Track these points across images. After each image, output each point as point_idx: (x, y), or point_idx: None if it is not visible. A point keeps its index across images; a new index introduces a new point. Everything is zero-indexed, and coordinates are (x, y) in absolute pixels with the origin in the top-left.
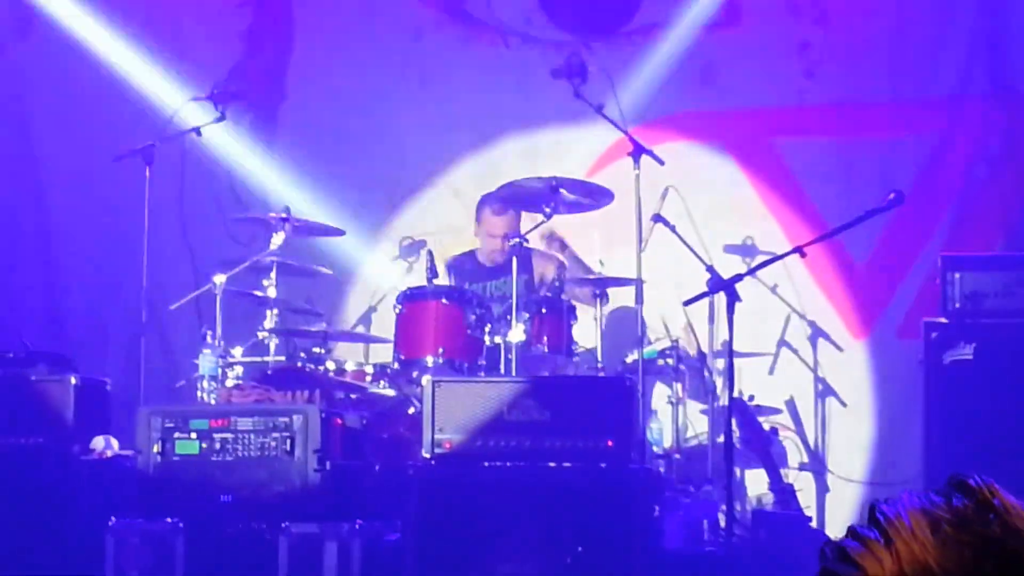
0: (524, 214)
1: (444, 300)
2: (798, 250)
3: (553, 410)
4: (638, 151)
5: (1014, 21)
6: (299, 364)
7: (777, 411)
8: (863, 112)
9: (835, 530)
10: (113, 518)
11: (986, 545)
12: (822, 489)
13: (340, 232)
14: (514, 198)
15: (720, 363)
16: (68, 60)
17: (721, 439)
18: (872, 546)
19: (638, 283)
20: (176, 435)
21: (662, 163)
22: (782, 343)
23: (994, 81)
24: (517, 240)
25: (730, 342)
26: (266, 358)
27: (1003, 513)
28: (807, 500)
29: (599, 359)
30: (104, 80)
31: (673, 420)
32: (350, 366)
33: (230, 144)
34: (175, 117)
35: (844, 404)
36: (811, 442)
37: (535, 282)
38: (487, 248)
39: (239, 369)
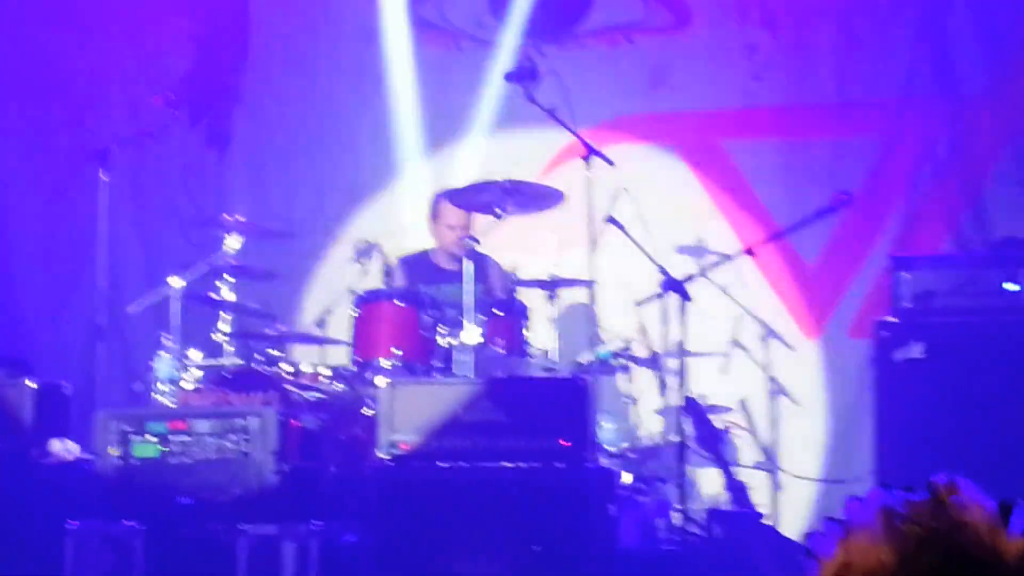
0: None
1: (398, 302)
2: (749, 250)
3: (509, 410)
4: (589, 153)
5: (956, 22)
6: (255, 366)
7: (729, 410)
8: (811, 113)
9: (788, 528)
10: (72, 521)
11: (932, 538)
12: (775, 487)
13: (295, 235)
14: (467, 200)
15: (673, 363)
16: (26, 60)
17: (675, 438)
18: (831, 537)
19: (591, 284)
20: (134, 438)
21: (612, 164)
22: (734, 343)
23: (938, 82)
24: (469, 242)
25: (682, 342)
26: (223, 361)
27: (956, 508)
28: (760, 498)
29: (553, 359)
30: (61, 81)
31: (627, 420)
32: (306, 368)
33: (185, 147)
34: (130, 120)
35: (796, 403)
36: (764, 440)
37: (492, 290)
38: (444, 241)
39: (196, 372)
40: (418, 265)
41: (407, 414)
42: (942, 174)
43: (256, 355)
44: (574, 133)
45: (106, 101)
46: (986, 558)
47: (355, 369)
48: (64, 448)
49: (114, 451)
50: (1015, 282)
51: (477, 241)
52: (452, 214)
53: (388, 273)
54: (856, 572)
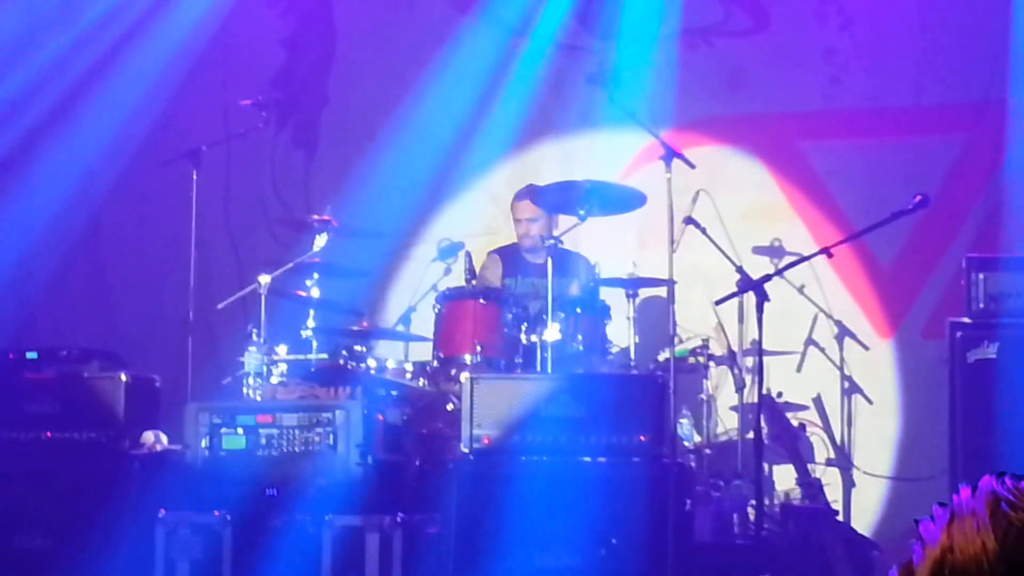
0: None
1: (481, 300)
2: (825, 251)
3: (587, 406)
4: (670, 155)
5: None
6: (341, 362)
7: (805, 408)
8: (889, 116)
9: (860, 524)
10: (163, 510)
11: None
12: (848, 484)
13: (380, 233)
14: (550, 200)
15: (749, 361)
16: (117, 64)
17: (750, 435)
18: (936, 521)
19: (670, 283)
20: (223, 430)
21: (693, 166)
22: (809, 342)
23: (1016, 84)
24: (552, 241)
25: (759, 341)
26: (309, 356)
27: None
28: (834, 495)
29: (632, 357)
30: (152, 85)
31: (704, 416)
32: (391, 364)
33: (274, 147)
34: (221, 121)
35: (870, 401)
36: (837, 438)
37: (580, 285)
38: (519, 234)
39: (283, 367)
40: (510, 257)
41: (489, 409)
42: (1019, 176)
43: (342, 351)
44: (654, 135)
45: (198, 103)
46: None
47: (438, 365)
48: (155, 439)
49: (204, 443)
50: None
51: (560, 240)
52: (520, 208)
53: (471, 271)
54: (958, 556)
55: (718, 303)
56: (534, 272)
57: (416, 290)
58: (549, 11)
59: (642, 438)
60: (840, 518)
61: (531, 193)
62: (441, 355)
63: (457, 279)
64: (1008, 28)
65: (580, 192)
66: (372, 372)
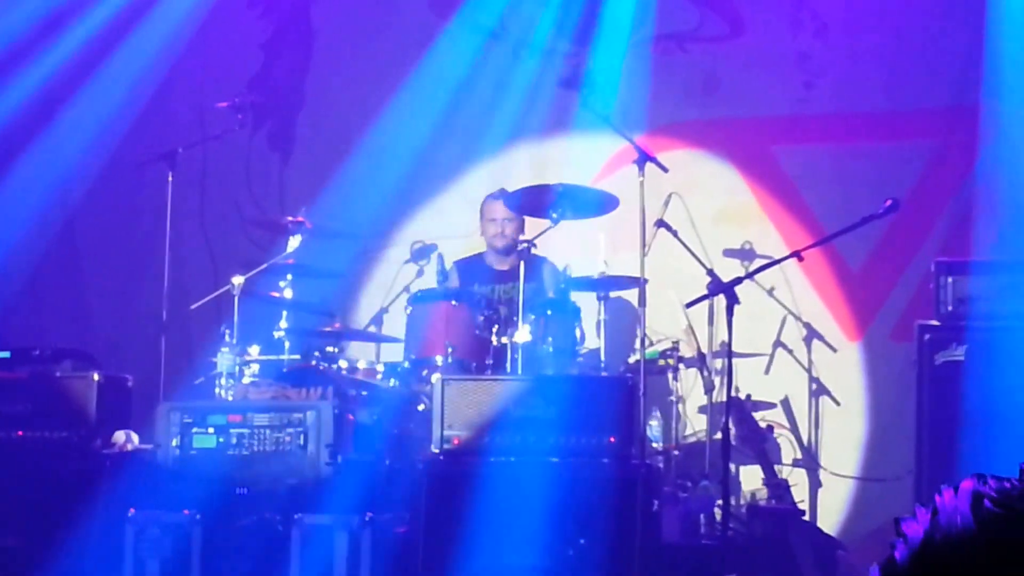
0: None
1: (453, 302)
2: (796, 254)
3: (557, 407)
4: (643, 159)
5: (1004, 35)
6: (313, 362)
7: (773, 408)
8: (860, 121)
9: (827, 524)
10: (133, 509)
11: (1020, 520)
12: (814, 485)
13: (353, 236)
14: (522, 203)
15: (719, 363)
16: (95, 65)
17: (718, 436)
18: (919, 519)
19: (641, 285)
20: (194, 429)
21: (666, 170)
22: (778, 344)
23: (987, 92)
24: (525, 244)
25: (729, 343)
26: (282, 356)
27: None
28: (800, 495)
29: (602, 359)
30: (130, 86)
31: (673, 418)
32: (362, 364)
33: (249, 150)
34: (197, 123)
35: (838, 403)
36: (805, 439)
37: (544, 290)
38: (488, 234)
39: (255, 367)
40: (472, 267)
41: (459, 410)
42: (988, 182)
43: (314, 352)
44: (628, 139)
45: (174, 105)
46: None
47: (409, 366)
48: (127, 439)
49: (175, 442)
50: None
51: (533, 244)
52: (494, 208)
53: (443, 273)
54: (941, 551)
55: (688, 306)
56: (495, 279)
57: (388, 292)
58: (526, 16)
59: (611, 439)
60: (806, 518)
61: (508, 200)
62: (412, 356)
63: (429, 281)
64: (978, 34)
65: (552, 195)
66: (343, 373)
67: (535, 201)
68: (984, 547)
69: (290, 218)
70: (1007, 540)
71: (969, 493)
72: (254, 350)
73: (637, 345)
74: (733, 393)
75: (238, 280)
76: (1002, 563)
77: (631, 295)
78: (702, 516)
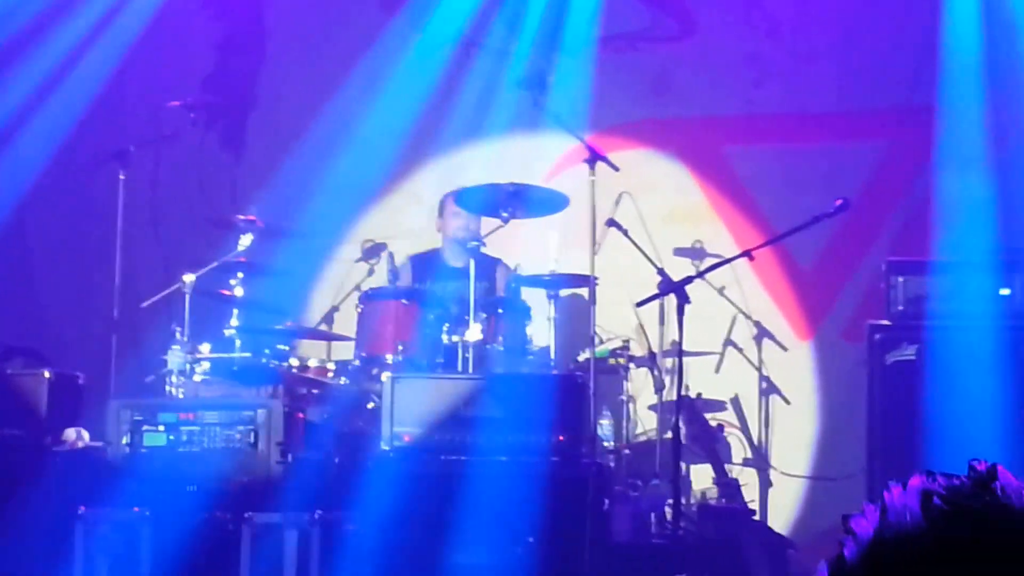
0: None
1: (404, 300)
2: (747, 254)
3: (508, 406)
4: (594, 158)
5: (955, 35)
6: (264, 360)
7: (723, 408)
8: (811, 121)
9: (777, 523)
10: (83, 507)
11: (969, 517)
12: (765, 484)
13: (304, 234)
14: (474, 203)
15: (669, 362)
16: (48, 63)
17: (669, 435)
18: (868, 516)
19: (591, 284)
20: (145, 427)
21: (617, 169)
22: (728, 343)
23: (938, 92)
24: (476, 243)
25: (680, 342)
26: (232, 354)
27: (998, 491)
28: (751, 494)
29: (552, 357)
30: (82, 84)
31: (623, 417)
32: (313, 363)
33: (201, 149)
34: (149, 122)
35: (788, 402)
36: (755, 439)
37: (496, 289)
38: (448, 230)
39: (206, 365)
40: (427, 263)
41: (409, 408)
42: (938, 181)
43: (265, 350)
44: (580, 139)
45: (127, 104)
46: (1021, 540)
47: (360, 364)
48: (78, 436)
49: (125, 440)
50: (1008, 287)
51: (482, 243)
52: (458, 208)
53: (394, 272)
54: (890, 548)
55: (639, 304)
56: (450, 276)
57: (339, 290)
58: (479, 17)
59: (561, 438)
60: (757, 518)
61: (460, 199)
62: (363, 354)
63: (380, 280)
64: (929, 35)
65: (503, 194)
66: (294, 371)
67: (486, 200)
68: (933, 545)
69: (241, 216)
70: (956, 538)
71: (918, 490)
72: (205, 348)
73: (587, 344)
74: (684, 392)
75: (189, 278)
76: (951, 561)
77: (582, 294)
78: (653, 515)
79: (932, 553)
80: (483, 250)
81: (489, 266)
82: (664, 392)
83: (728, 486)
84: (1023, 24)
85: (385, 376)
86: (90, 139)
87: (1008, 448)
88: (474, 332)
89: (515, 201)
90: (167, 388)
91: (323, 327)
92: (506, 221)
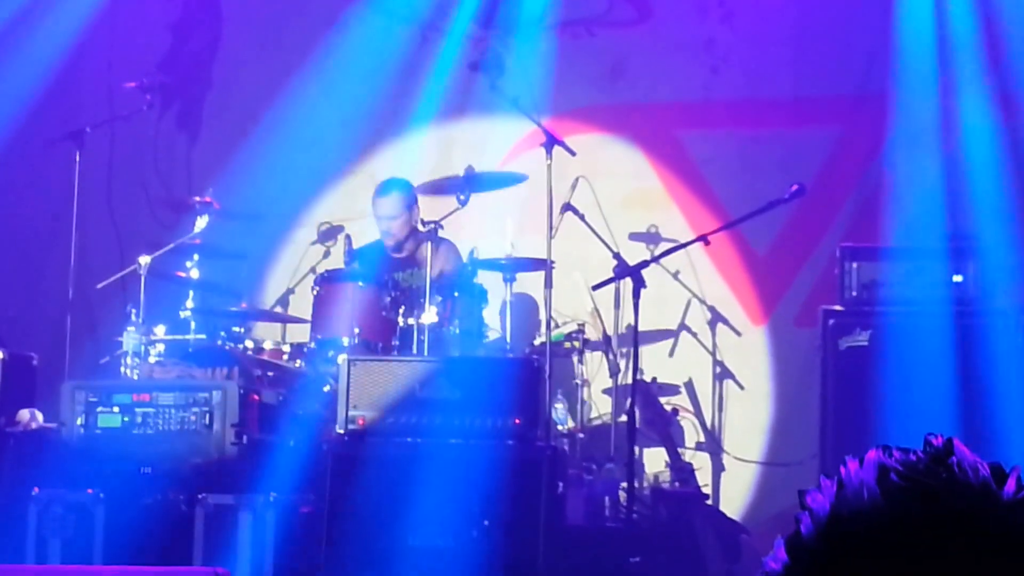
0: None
1: (360, 283)
2: (702, 238)
3: (463, 389)
4: (550, 142)
5: (910, 23)
6: (219, 342)
7: (677, 392)
8: (766, 107)
9: (730, 508)
10: (36, 488)
11: (927, 492)
12: (718, 468)
13: (260, 216)
14: (431, 188)
15: (624, 346)
16: (2, 44)
17: (623, 419)
18: (824, 491)
19: (547, 267)
20: (99, 409)
21: (573, 154)
22: (682, 327)
23: (893, 80)
24: (432, 225)
25: (635, 326)
26: (188, 336)
27: (955, 466)
28: (704, 479)
29: (508, 341)
30: (37, 65)
31: (578, 400)
32: (268, 345)
33: (157, 130)
34: (105, 103)
35: (742, 387)
36: (708, 423)
37: (435, 273)
38: (381, 230)
39: (161, 347)
40: (373, 252)
41: (364, 391)
42: (892, 168)
43: (220, 332)
44: (536, 123)
45: (82, 84)
46: (978, 516)
47: (315, 347)
48: (31, 417)
49: (79, 421)
50: (960, 274)
51: (440, 226)
52: (379, 206)
53: (350, 254)
54: (848, 524)
55: (595, 288)
56: (393, 267)
57: (295, 272)
58: None
59: (516, 421)
60: (710, 502)
61: (391, 186)
62: (319, 337)
63: (336, 262)
64: (884, 22)
65: (458, 182)
66: (249, 353)
67: (443, 186)
68: (891, 521)
69: (197, 198)
70: (913, 514)
71: (874, 465)
72: (160, 330)
73: (543, 328)
74: (638, 376)
75: (144, 260)
76: (909, 537)
77: (537, 277)
78: (607, 499)
79: (890, 529)
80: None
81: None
82: (619, 376)
83: (682, 470)
84: (976, 12)
85: (341, 359)
86: (45, 119)
87: (960, 433)
88: (430, 315)
89: (471, 184)
90: (122, 369)
91: (278, 309)
92: (463, 204)
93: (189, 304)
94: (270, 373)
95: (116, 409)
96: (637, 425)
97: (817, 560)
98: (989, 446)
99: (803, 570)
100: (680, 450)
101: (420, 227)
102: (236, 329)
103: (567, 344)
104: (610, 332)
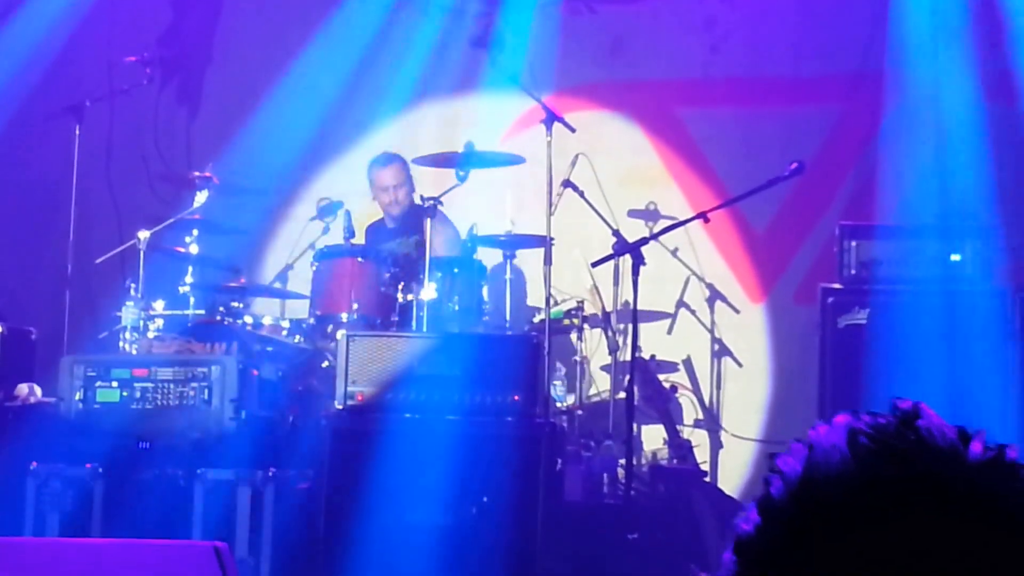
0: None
1: (359, 259)
2: (702, 215)
3: (462, 365)
4: (550, 119)
5: (908, 1)
6: (218, 318)
7: (676, 369)
8: (766, 85)
9: (728, 486)
10: (35, 462)
11: (896, 454)
12: (716, 446)
13: (260, 192)
14: (431, 162)
15: (623, 323)
16: (2, 18)
17: (622, 396)
18: (795, 454)
19: (546, 245)
20: (98, 383)
21: (573, 130)
22: (681, 304)
23: (891, 58)
24: (432, 201)
25: (634, 303)
26: (186, 311)
27: (923, 429)
28: (702, 456)
29: (507, 318)
30: (38, 39)
31: (577, 377)
32: (267, 320)
33: (157, 105)
34: (105, 77)
35: (740, 365)
36: (707, 401)
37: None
38: (383, 203)
39: (160, 321)
40: (378, 230)
41: (363, 366)
42: (891, 146)
43: (219, 307)
44: (536, 99)
45: (82, 59)
46: (945, 477)
47: (314, 322)
48: (30, 392)
49: (78, 395)
50: (958, 253)
51: (440, 202)
52: (383, 176)
53: (350, 230)
54: (818, 487)
55: (594, 265)
56: (393, 236)
57: (294, 248)
58: None
59: (515, 398)
60: (708, 479)
61: (392, 157)
62: (318, 312)
63: (335, 238)
64: (883, 1)
65: (456, 158)
66: (248, 328)
67: (443, 161)
68: (861, 483)
69: (197, 173)
70: (883, 476)
71: (844, 428)
72: (159, 304)
73: (542, 304)
74: (637, 353)
75: (144, 234)
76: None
77: (537, 254)
78: (605, 475)
79: (859, 491)
80: (417, 202)
81: (418, 219)
82: (618, 353)
83: (680, 447)
84: None
85: (340, 334)
86: (45, 94)
87: (956, 410)
88: (429, 291)
89: (469, 161)
90: (120, 344)
91: (277, 285)
92: (463, 180)
93: (188, 279)
94: (269, 348)
95: (115, 384)
96: (636, 402)
97: (788, 520)
98: (985, 423)
99: (774, 530)
100: (678, 427)
101: (418, 201)
102: (235, 304)
103: (566, 321)
104: (609, 309)
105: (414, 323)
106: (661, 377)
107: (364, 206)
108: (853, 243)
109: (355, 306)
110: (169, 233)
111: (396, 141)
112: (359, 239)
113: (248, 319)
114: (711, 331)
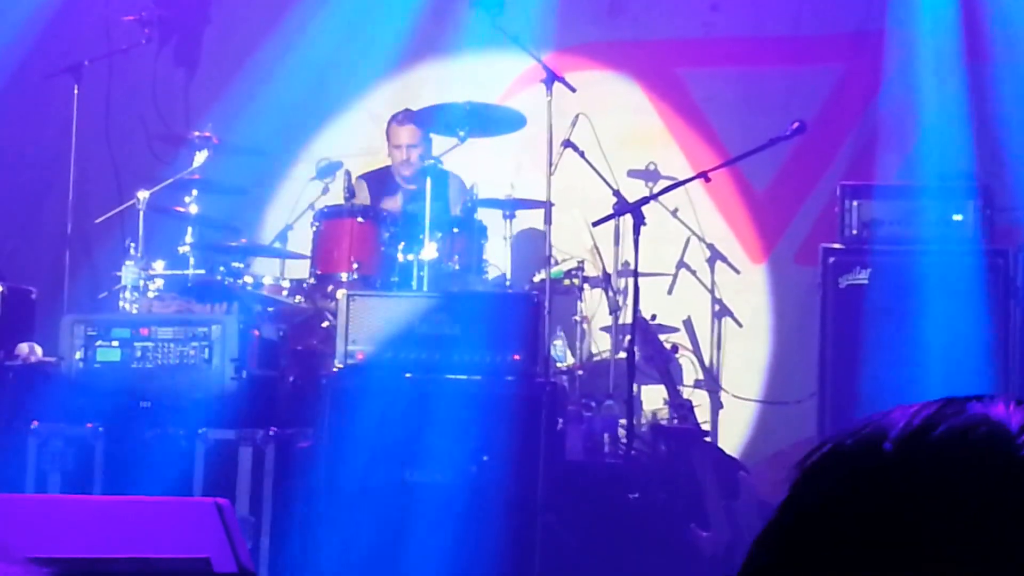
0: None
1: (359, 219)
2: (703, 175)
3: (463, 324)
4: (550, 78)
5: None
6: (218, 277)
7: (676, 330)
8: (767, 45)
9: (728, 446)
10: (35, 422)
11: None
12: (716, 406)
13: (259, 151)
14: (428, 120)
15: (623, 283)
16: None
17: (622, 356)
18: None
19: (547, 205)
20: (98, 343)
21: (573, 90)
22: (681, 264)
23: (892, 18)
24: (432, 160)
25: (635, 263)
26: (186, 271)
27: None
28: (703, 417)
29: (508, 278)
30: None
31: (577, 337)
32: (267, 280)
33: (155, 64)
34: (104, 37)
35: (740, 325)
36: (707, 361)
37: (450, 205)
38: (395, 160)
39: (160, 281)
40: (380, 180)
41: (363, 325)
42: (892, 106)
43: (219, 267)
44: (536, 59)
45: (80, 18)
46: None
47: (315, 282)
48: (30, 351)
49: (79, 355)
50: (960, 214)
51: (440, 161)
52: (400, 133)
53: (350, 190)
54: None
55: (595, 225)
56: (404, 195)
57: (294, 208)
58: None
59: (516, 357)
60: (709, 439)
61: (411, 116)
62: (318, 272)
63: (335, 198)
64: None
65: (459, 113)
66: (248, 288)
67: (441, 119)
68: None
69: (196, 133)
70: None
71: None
72: (159, 264)
73: (543, 264)
74: (637, 313)
75: (143, 194)
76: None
77: (537, 214)
78: (606, 435)
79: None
80: (441, 167)
81: (442, 182)
82: (619, 313)
83: (681, 407)
84: None
85: (340, 294)
86: (44, 53)
87: (957, 372)
88: (429, 251)
89: (471, 120)
90: (120, 304)
91: (277, 245)
92: (463, 140)
93: (188, 239)
94: (269, 308)
95: (115, 343)
96: (636, 362)
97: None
98: (986, 383)
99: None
100: (679, 387)
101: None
102: (235, 264)
103: (567, 281)
104: (609, 269)
105: (415, 283)
106: (662, 337)
107: (363, 166)
108: (854, 203)
109: (355, 266)
110: (168, 193)
111: (394, 100)
112: (360, 199)
113: (248, 279)
114: (711, 291)
